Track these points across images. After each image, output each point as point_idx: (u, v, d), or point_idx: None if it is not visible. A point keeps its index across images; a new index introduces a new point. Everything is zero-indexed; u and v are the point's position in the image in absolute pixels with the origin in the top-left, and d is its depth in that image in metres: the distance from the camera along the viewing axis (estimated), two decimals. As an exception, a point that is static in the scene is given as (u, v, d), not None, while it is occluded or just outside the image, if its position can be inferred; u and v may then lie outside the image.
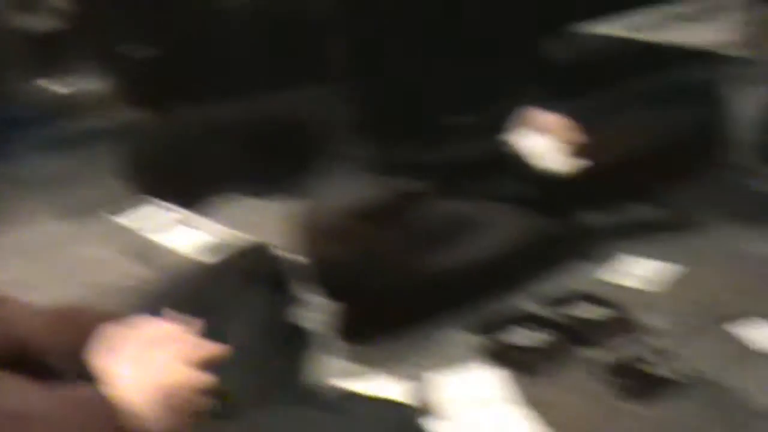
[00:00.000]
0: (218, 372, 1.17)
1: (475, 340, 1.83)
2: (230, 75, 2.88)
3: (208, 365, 1.16)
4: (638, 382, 1.65)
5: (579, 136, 2.04)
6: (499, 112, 2.13)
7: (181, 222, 2.48)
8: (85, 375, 1.06)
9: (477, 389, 1.59)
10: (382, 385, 1.65)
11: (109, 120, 3.30)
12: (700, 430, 1.51)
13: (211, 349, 1.18)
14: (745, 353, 1.72)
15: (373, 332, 1.87)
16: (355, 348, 1.85)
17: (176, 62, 2.94)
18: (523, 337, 1.80)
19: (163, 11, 2.93)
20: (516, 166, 2.04)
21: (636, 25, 2.58)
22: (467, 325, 1.88)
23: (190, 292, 1.47)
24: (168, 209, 2.55)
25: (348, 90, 2.15)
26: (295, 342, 1.64)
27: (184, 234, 2.42)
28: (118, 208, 2.56)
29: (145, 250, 2.34)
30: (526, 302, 1.96)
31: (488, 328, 1.86)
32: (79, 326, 1.14)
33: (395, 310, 1.87)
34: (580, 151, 2.02)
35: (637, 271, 2.04)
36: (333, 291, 1.84)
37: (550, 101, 2.14)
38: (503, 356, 1.75)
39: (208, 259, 1.66)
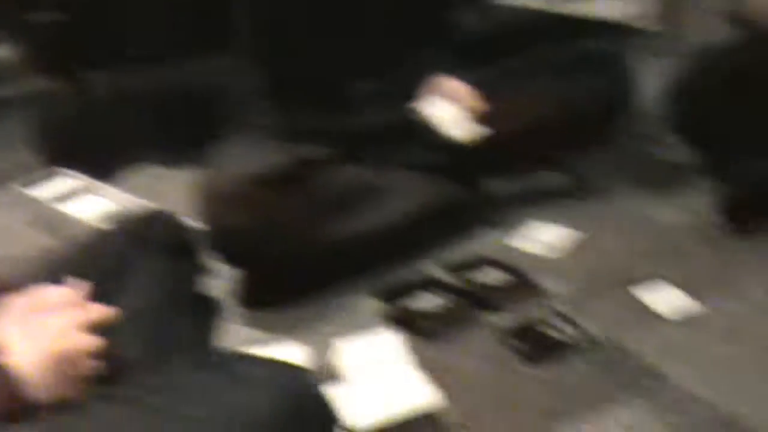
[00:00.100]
0: (110, 336, 1.17)
1: (378, 306, 1.84)
2: (139, 43, 2.84)
3: (98, 329, 1.15)
4: (539, 345, 1.66)
5: (484, 104, 2.05)
6: (406, 80, 2.13)
7: (90, 191, 2.44)
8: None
9: (378, 354, 1.60)
10: (284, 351, 1.64)
11: (17, 88, 3.24)
12: (597, 391, 1.53)
13: (101, 312, 1.17)
14: (645, 316, 1.75)
15: (276, 299, 1.87)
16: (258, 315, 1.85)
17: (85, 28, 2.89)
18: (425, 302, 1.82)
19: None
20: (422, 133, 2.04)
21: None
22: (371, 291, 1.89)
23: (86, 259, 1.45)
24: (77, 179, 2.52)
25: (253, 58, 2.13)
26: (197, 308, 1.63)
27: (93, 203, 2.38)
28: (29, 179, 2.52)
29: (52, 221, 2.31)
30: (430, 268, 1.97)
31: (392, 293, 1.87)
32: None
33: (298, 276, 1.87)
34: (484, 118, 2.03)
35: (541, 237, 2.06)
36: (234, 258, 1.84)
37: (457, 69, 2.15)
38: (406, 321, 1.76)
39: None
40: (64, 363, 1.06)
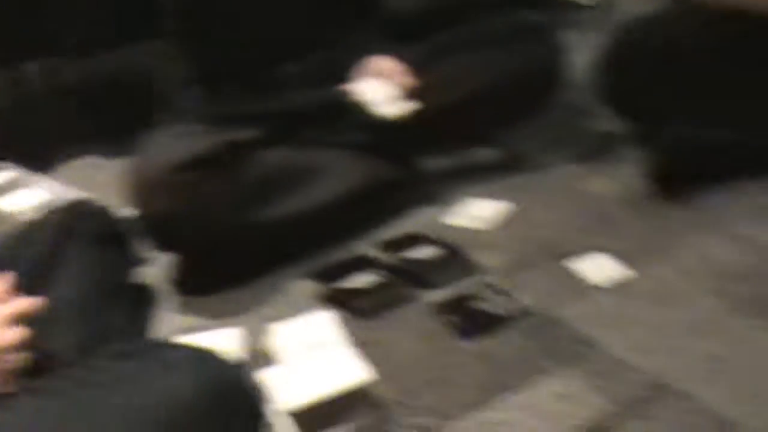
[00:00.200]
0: (38, 328, 1.16)
1: (313, 286, 1.84)
2: (71, 33, 2.81)
3: (25, 321, 1.15)
4: (472, 319, 1.67)
5: (414, 80, 2.06)
6: (337, 61, 2.13)
7: (26, 184, 2.42)
8: None
9: (312, 334, 1.60)
10: (220, 336, 1.65)
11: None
12: (531, 362, 1.54)
13: (28, 304, 1.17)
14: (578, 285, 1.77)
15: (211, 284, 1.86)
16: (194, 301, 1.84)
17: (16, 20, 2.85)
18: (360, 281, 1.82)
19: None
20: (353, 112, 2.04)
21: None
22: (306, 273, 1.89)
23: (14, 250, 1.45)
24: (12, 171, 2.49)
25: (179, 43, 2.12)
26: (130, 298, 1.63)
27: (29, 196, 2.36)
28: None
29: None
30: (364, 247, 1.98)
31: (326, 274, 1.87)
32: None
33: (232, 260, 1.87)
34: (415, 94, 2.03)
35: (474, 212, 2.07)
36: (165, 245, 1.83)
37: (390, 48, 2.16)
38: (340, 301, 1.76)
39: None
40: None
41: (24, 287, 1.21)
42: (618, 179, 2.15)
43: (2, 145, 2.60)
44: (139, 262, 1.78)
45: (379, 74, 2.05)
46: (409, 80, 2.04)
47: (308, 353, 1.54)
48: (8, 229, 1.65)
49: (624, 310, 1.67)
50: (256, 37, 2.05)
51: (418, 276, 1.82)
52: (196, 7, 2.06)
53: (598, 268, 1.81)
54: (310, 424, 1.35)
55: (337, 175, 2.01)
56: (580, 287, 1.76)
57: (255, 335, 1.68)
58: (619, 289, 1.75)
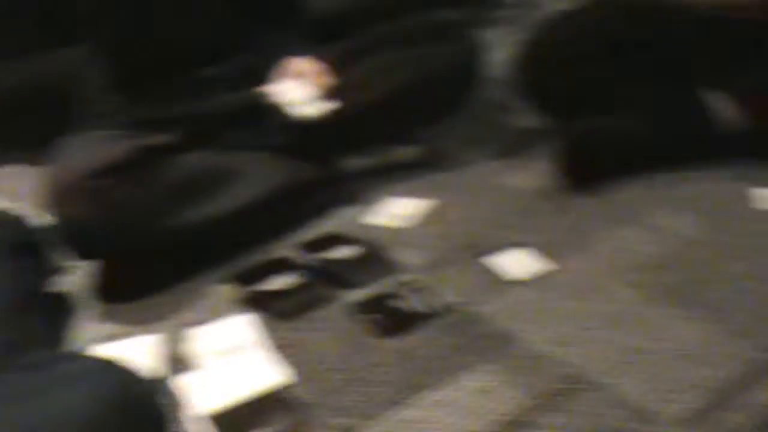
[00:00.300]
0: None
1: (234, 290, 1.83)
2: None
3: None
4: (392, 318, 1.66)
5: (332, 80, 2.06)
6: (256, 63, 2.12)
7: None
8: None
9: (231, 338, 1.59)
10: (137, 344, 1.63)
11: None
12: (450, 359, 1.54)
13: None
14: (498, 280, 1.77)
15: (130, 291, 1.83)
16: (114, 309, 1.81)
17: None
18: (280, 283, 1.81)
19: None
20: (271, 114, 2.03)
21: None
22: (226, 277, 1.87)
23: None
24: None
25: (97, 47, 2.10)
26: (47, 307, 1.61)
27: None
28: None
29: None
30: (283, 249, 1.97)
31: (246, 277, 1.85)
32: None
33: (150, 267, 1.85)
34: (333, 93, 2.03)
35: (395, 210, 2.07)
36: (83, 252, 1.81)
37: (305, 48, 2.15)
38: (260, 304, 1.74)
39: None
40: None
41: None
42: (537, 174, 2.16)
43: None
44: (57, 271, 1.76)
45: (298, 75, 2.05)
46: (326, 80, 2.03)
47: (227, 357, 1.52)
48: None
49: (543, 304, 1.68)
50: (175, 41, 2.04)
51: (338, 276, 1.81)
52: (112, 12, 2.03)
53: (518, 263, 1.82)
54: (228, 427, 1.34)
55: (256, 177, 1.99)
56: (500, 282, 1.76)
57: (175, 341, 1.66)
58: (539, 283, 1.76)
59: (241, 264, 1.91)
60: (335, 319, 1.69)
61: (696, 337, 1.54)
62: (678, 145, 2.12)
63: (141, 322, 1.75)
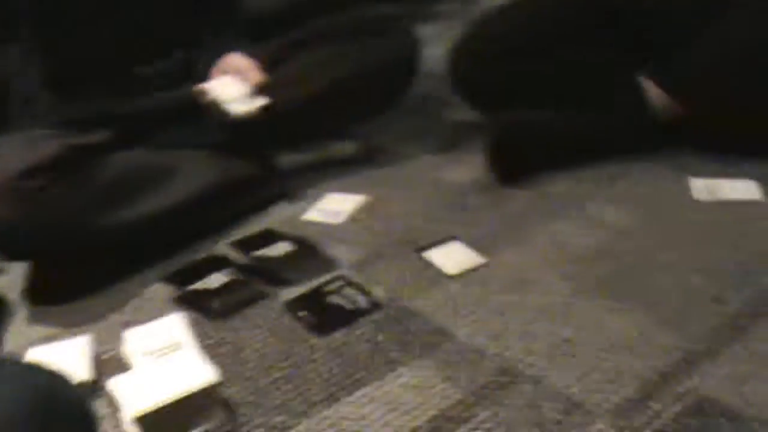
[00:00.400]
0: None
1: (168, 289, 1.81)
2: None
3: None
4: (327, 315, 1.66)
5: (266, 76, 2.05)
6: (192, 60, 2.11)
7: None
8: None
9: (163, 338, 1.57)
10: (68, 346, 1.60)
11: None
12: (384, 355, 1.53)
13: None
14: (433, 275, 1.77)
15: (62, 293, 1.81)
16: (47, 311, 1.79)
17: None
18: (214, 281, 1.80)
19: None
20: (206, 111, 2.02)
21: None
22: (161, 276, 1.85)
23: None
24: None
25: (31, 47, 2.07)
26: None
27: None
28: None
29: None
30: (218, 247, 1.95)
31: (181, 276, 1.83)
32: None
33: (83, 267, 1.83)
34: (265, 89, 2.02)
35: (331, 207, 2.06)
36: (13, 254, 1.78)
37: (242, 46, 2.14)
38: (195, 303, 1.73)
39: None
40: None
41: None
42: (473, 168, 2.17)
43: None
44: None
45: (233, 72, 2.04)
46: (259, 76, 2.02)
47: (157, 357, 1.51)
48: None
49: (477, 298, 1.68)
50: (111, 40, 2.01)
51: (272, 274, 1.80)
52: (46, 10, 2.00)
53: (453, 257, 1.82)
54: (157, 428, 1.32)
55: (191, 174, 1.97)
56: (435, 277, 1.76)
57: (108, 342, 1.64)
58: (473, 277, 1.76)
59: (176, 263, 1.89)
60: (269, 317, 1.68)
61: (628, 328, 1.55)
62: (613, 136, 2.14)
63: (74, 324, 1.73)
